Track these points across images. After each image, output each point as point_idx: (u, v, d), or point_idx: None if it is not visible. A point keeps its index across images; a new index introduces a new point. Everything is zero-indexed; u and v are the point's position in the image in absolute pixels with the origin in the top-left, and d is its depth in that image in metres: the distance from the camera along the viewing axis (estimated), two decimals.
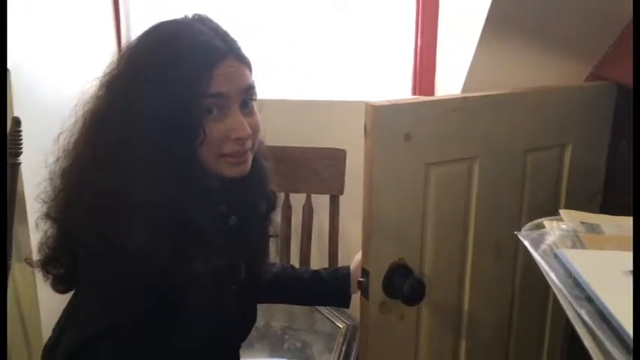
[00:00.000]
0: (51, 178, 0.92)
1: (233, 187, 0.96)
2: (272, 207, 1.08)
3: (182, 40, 0.87)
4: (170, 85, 0.84)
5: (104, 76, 0.90)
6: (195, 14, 0.92)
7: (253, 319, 1.12)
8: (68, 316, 0.94)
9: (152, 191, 0.83)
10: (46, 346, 0.95)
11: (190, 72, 0.85)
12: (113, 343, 0.85)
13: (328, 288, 1.19)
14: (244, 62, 0.91)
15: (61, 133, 0.92)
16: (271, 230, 1.11)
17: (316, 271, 1.23)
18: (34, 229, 1.43)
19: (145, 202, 0.83)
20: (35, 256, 0.95)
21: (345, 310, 1.54)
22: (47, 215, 0.91)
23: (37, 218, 0.93)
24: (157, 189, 0.84)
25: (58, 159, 0.92)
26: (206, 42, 0.87)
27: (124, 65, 0.89)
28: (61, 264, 0.93)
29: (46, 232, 0.92)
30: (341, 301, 1.21)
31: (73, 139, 0.90)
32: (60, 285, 0.95)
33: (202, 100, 0.85)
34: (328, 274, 1.21)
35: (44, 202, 0.92)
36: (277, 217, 1.15)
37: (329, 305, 1.54)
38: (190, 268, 0.86)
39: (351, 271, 1.18)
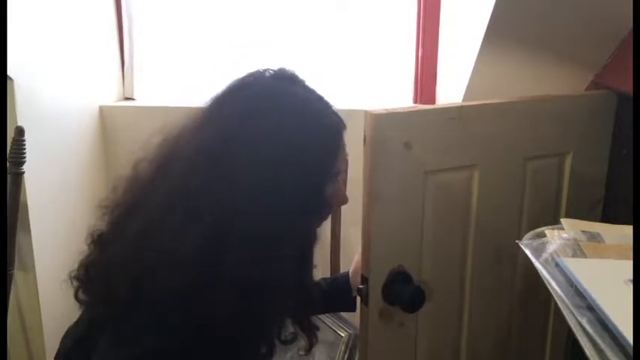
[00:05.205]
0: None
1: None
2: None
3: (313, 128, 0.83)
4: (309, 175, 0.82)
5: (212, 157, 0.80)
6: (285, 72, 0.92)
7: None
8: (114, 333, 0.81)
9: (288, 274, 0.81)
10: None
11: (329, 161, 0.85)
12: None
13: (331, 298, 1.19)
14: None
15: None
16: None
17: (315, 283, 1.23)
18: (36, 237, 1.46)
19: (281, 286, 0.81)
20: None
21: (347, 318, 1.53)
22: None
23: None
24: (294, 270, 0.83)
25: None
26: (334, 127, 0.87)
27: (241, 151, 0.79)
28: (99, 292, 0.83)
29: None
30: (346, 306, 1.21)
31: (181, 223, 0.78)
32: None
33: (331, 181, 0.87)
34: (327, 284, 1.21)
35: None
36: None
37: (335, 312, 1.53)
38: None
39: (350, 275, 1.18)
